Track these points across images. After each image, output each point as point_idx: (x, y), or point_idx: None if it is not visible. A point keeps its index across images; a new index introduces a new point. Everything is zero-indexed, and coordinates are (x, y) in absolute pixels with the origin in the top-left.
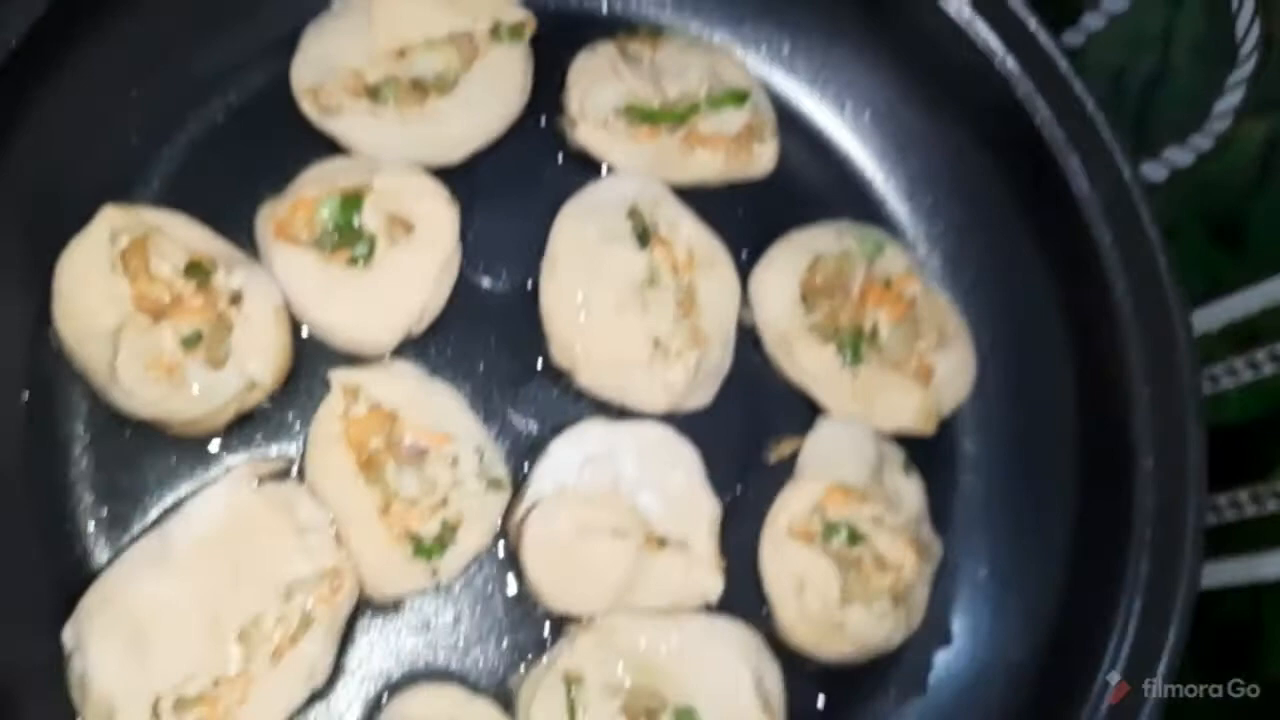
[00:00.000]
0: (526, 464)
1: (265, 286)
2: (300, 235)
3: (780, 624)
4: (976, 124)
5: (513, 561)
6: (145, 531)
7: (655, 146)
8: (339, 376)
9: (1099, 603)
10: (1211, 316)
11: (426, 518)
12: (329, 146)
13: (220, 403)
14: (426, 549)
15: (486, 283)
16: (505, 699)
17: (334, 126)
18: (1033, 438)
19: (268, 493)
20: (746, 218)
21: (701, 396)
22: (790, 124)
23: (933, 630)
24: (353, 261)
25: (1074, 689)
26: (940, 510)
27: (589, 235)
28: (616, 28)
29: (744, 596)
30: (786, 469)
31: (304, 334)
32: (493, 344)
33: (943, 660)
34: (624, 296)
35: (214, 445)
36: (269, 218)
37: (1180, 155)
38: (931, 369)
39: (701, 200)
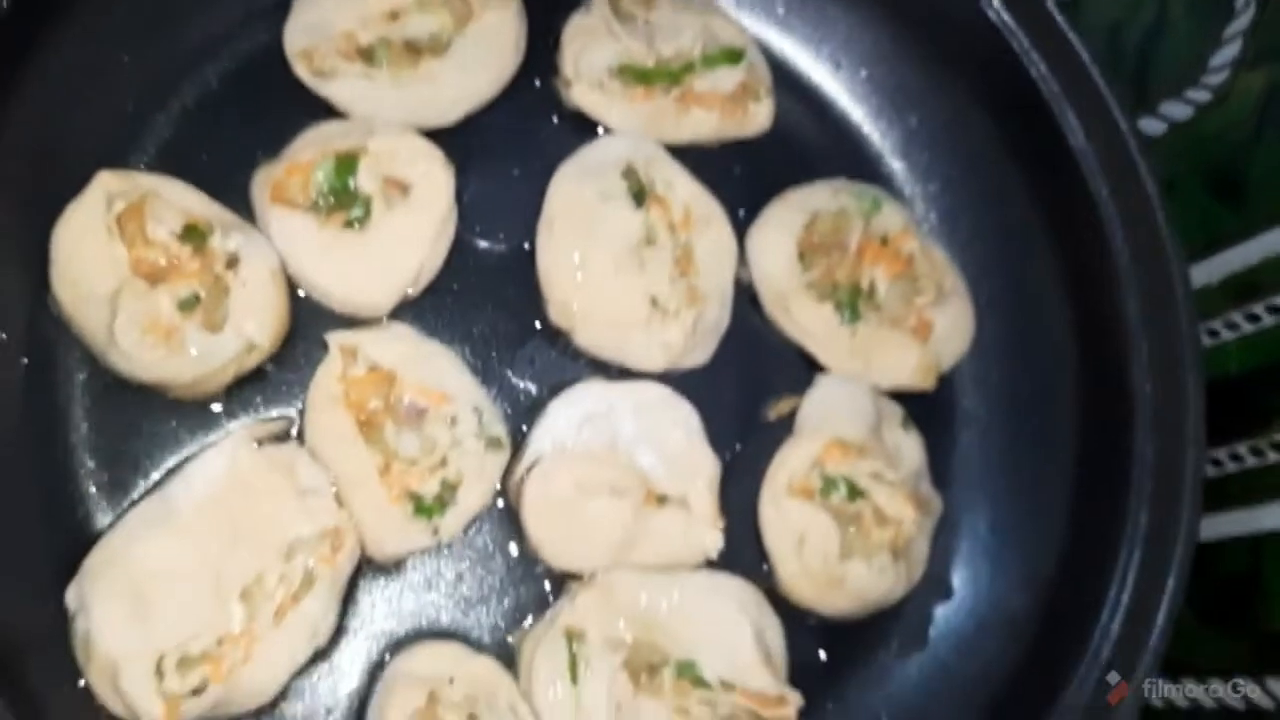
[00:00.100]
0: (525, 424)
1: (262, 249)
2: (296, 199)
3: (781, 579)
4: (972, 80)
5: (513, 520)
6: (146, 494)
7: (650, 106)
8: (337, 338)
9: (1098, 555)
10: (1211, 269)
11: (426, 478)
12: (324, 110)
13: (219, 365)
14: (427, 508)
15: (483, 244)
16: (507, 656)
17: (328, 90)
18: (1031, 392)
19: (268, 454)
20: (743, 176)
21: (699, 355)
22: (786, 82)
23: (933, 584)
24: (349, 224)
25: (1073, 641)
26: (940, 465)
27: (585, 195)
28: None
29: (744, 553)
30: (785, 426)
31: (301, 297)
32: (490, 305)
33: (943, 614)
34: (621, 256)
35: (214, 408)
36: (264, 182)
37: (1178, 109)
38: (930, 325)
39: (698, 159)
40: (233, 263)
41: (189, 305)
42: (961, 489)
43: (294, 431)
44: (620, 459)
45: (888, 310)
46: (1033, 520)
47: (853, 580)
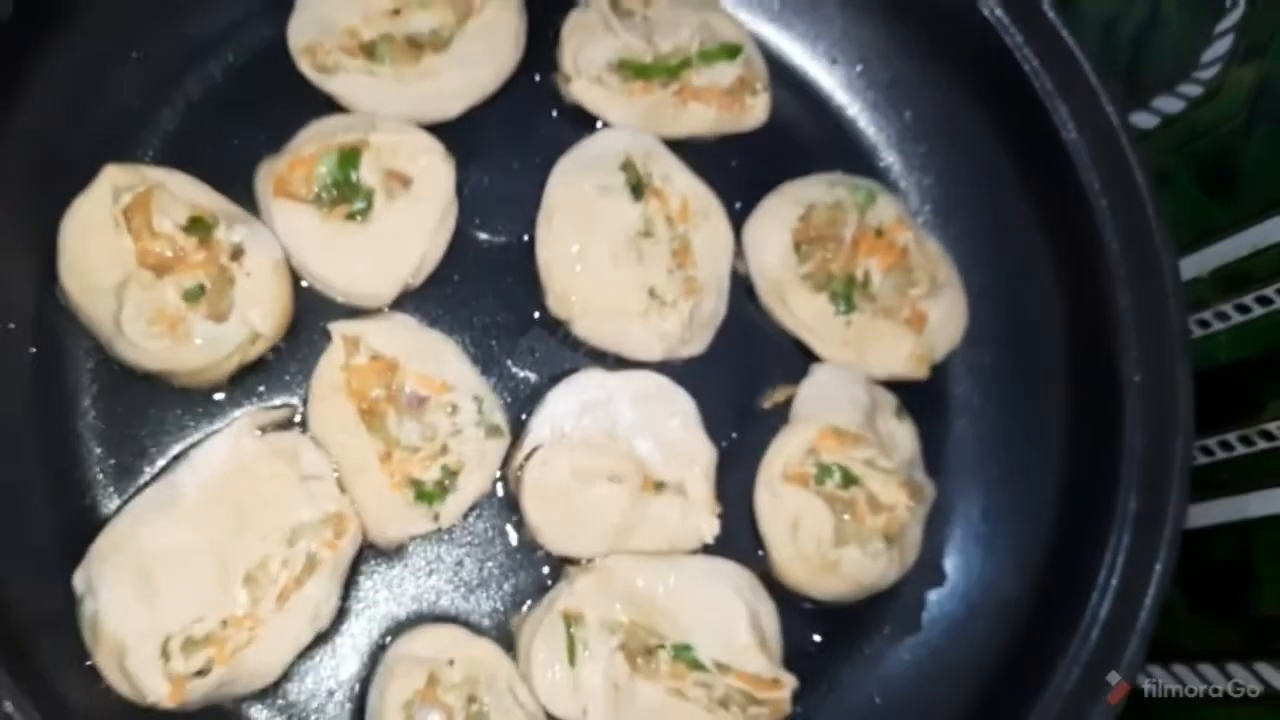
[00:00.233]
0: (525, 412)
1: (266, 241)
2: (299, 191)
3: (775, 564)
4: (966, 75)
5: (513, 506)
6: (152, 480)
7: (649, 101)
8: (339, 328)
9: (1088, 541)
10: (1202, 261)
11: (427, 464)
12: (327, 104)
13: (223, 354)
14: (428, 494)
15: (484, 235)
16: (506, 639)
17: (331, 85)
18: (1023, 381)
19: (271, 441)
20: (740, 170)
21: (696, 345)
22: (782, 77)
23: (926, 569)
24: (351, 216)
25: (1063, 624)
26: (933, 453)
27: (584, 188)
28: None
29: (740, 538)
30: (781, 415)
31: (304, 287)
32: (490, 295)
33: (935, 598)
34: (619, 248)
35: (218, 396)
36: (268, 175)
37: (1170, 103)
38: (924, 316)
39: (695, 153)
40: (237, 254)
41: (194, 296)
42: (954, 476)
43: (297, 419)
44: (618, 446)
45: (882, 301)
46: (1024, 507)
47: (846, 565)
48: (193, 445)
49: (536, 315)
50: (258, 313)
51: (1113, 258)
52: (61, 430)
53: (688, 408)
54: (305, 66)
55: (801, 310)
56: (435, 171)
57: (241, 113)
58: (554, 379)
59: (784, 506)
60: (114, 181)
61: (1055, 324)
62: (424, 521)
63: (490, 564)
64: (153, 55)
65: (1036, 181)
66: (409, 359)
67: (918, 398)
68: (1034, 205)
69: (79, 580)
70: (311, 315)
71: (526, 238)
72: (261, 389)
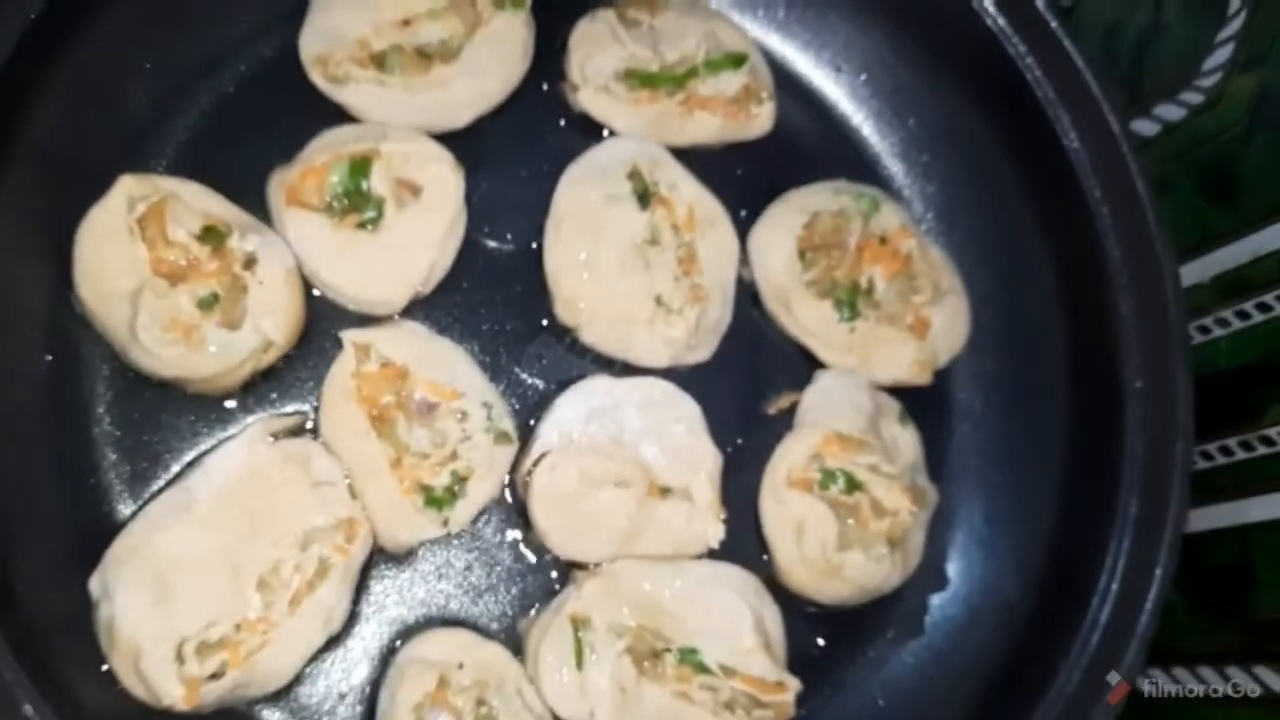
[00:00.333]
0: (533, 418)
1: (278, 250)
2: (311, 201)
3: (780, 568)
4: (969, 84)
5: (521, 511)
6: (167, 486)
7: (655, 109)
8: (350, 335)
9: (1089, 545)
10: (1203, 268)
11: (437, 470)
12: (338, 115)
13: (236, 361)
14: (437, 500)
15: (492, 243)
16: (515, 643)
17: (342, 95)
18: (1025, 387)
19: (284, 447)
20: (745, 178)
21: (702, 352)
22: (787, 86)
23: (929, 573)
24: (362, 225)
25: (1064, 628)
26: (936, 458)
27: (592, 197)
28: None
29: (745, 543)
30: (785, 421)
31: (316, 295)
32: (499, 303)
33: (938, 602)
34: (626, 255)
35: (231, 403)
36: (280, 184)
37: (1172, 111)
38: (927, 322)
39: (701, 161)
40: (250, 263)
41: (208, 304)
42: (957, 481)
43: (309, 425)
44: (625, 452)
45: (886, 308)
46: (1025, 511)
47: (850, 570)
48: (206, 452)
49: (544, 322)
50: (270, 321)
51: (1114, 264)
52: (77, 437)
53: (693, 413)
54: (316, 77)
55: (806, 317)
56: (445, 180)
57: (254, 123)
58: (562, 385)
59: (788, 511)
60: (129, 191)
61: (1057, 330)
62: (433, 526)
63: (499, 568)
64: (166, 66)
65: (1038, 189)
66: (419, 366)
67: (921, 403)
68: (1036, 212)
69: (95, 585)
70: (323, 323)
71: (534, 245)
72: (274, 396)
